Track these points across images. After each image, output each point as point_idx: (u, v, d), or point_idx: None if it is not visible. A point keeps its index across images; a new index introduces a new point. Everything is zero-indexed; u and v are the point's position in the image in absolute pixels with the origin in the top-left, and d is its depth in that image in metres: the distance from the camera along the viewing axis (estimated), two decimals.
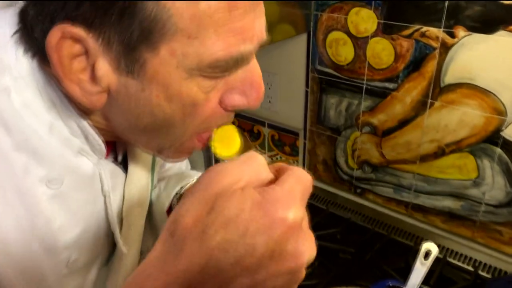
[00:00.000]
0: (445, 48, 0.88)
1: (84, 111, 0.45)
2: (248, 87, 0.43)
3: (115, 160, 0.55)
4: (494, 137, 0.89)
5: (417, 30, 0.90)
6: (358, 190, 1.15)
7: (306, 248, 0.32)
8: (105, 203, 0.53)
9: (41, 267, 0.48)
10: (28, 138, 0.42)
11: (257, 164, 0.34)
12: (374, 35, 0.97)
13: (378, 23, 0.95)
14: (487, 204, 0.95)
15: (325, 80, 1.09)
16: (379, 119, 1.04)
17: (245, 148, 0.47)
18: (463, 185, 0.97)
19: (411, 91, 0.96)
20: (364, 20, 0.97)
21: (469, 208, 0.98)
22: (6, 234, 0.43)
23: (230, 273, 0.31)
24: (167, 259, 0.32)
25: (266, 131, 1.29)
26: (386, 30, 0.94)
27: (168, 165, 0.75)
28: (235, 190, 0.32)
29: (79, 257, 0.52)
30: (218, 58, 0.38)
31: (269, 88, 1.23)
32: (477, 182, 0.95)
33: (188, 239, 0.31)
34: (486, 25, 0.82)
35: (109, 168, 0.52)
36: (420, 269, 0.68)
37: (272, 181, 0.34)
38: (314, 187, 1.24)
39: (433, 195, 1.02)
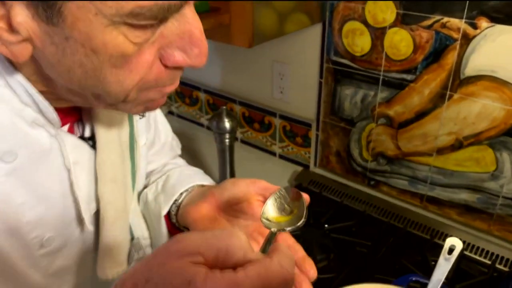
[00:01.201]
0: (467, 39, 0.86)
1: (29, 76, 0.43)
2: (187, 42, 0.40)
3: (82, 137, 0.54)
4: None
5: (437, 21, 0.89)
6: (372, 182, 1.15)
7: None
8: (68, 178, 0.52)
9: (8, 249, 0.47)
10: None
11: (231, 242, 0.32)
12: (393, 25, 0.95)
13: (397, 13, 0.93)
14: (504, 197, 0.94)
15: (340, 70, 1.07)
16: (396, 110, 1.02)
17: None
18: (481, 178, 0.96)
19: (429, 83, 0.95)
20: (383, 10, 0.95)
21: (485, 201, 0.97)
22: None
23: None
24: None
25: (277, 121, 1.28)
26: (405, 20, 0.93)
27: (156, 148, 0.73)
28: (180, 263, 0.30)
29: (54, 235, 0.52)
30: (139, 4, 0.34)
31: (281, 79, 1.22)
32: (495, 175, 0.94)
33: None
34: (510, 16, 0.80)
35: (70, 141, 0.51)
36: (444, 265, 0.68)
37: (250, 264, 0.31)
38: (327, 179, 1.22)
39: (449, 187, 1.02)
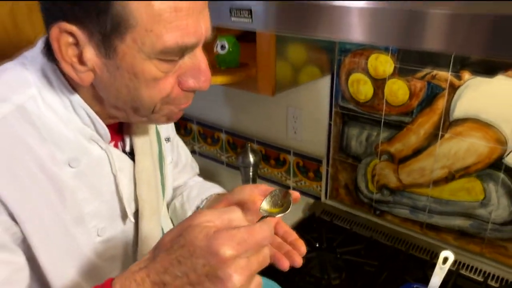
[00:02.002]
0: (453, 88, 1.04)
1: (87, 100, 0.61)
2: (197, 72, 0.58)
3: (123, 151, 0.72)
4: (497, 164, 1.03)
5: (428, 73, 1.06)
6: (378, 212, 1.29)
7: (236, 279, 0.43)
8: (115, 181, 0.68)
9: (75, 236, 0.64)
10: (52, 132, 0.60)
11: (232, 215, 0.48)
12: (391, 76, 1.13)
13: (395, 66, 1.11)
14: (493, 223, 1.09)
15: (347, 114, 1.25)
16: (396, 148, 1.19)
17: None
18: (472, 206, 1.11)
19: (424, 124, 1.11)
20: (382, 64, 1.13)
21: (477, 227, 1.11)
22: (42, 212, 0.59)
23: (180, 280, 0.46)
24: (148, 261, 0.49)
25: (291, 158, 1.44)
26: (402, 72, 1.11)
27: (179, 168, 0.94)
28: (201, 225, 0.46)
29: (106, 226, 0.68)
30: (166, 46, 0.53)
31: (295, 121, 1.39)
32: (484, 203, 1.08)
33: (161, 251, 0.48)
34: (487, 70, 0.98)
35: (116, 154, 0.68)
36: (439, 273, 0.82)
37: (243, 226, 0.47)
38: (337, 209, 1.38)
39: (445, 215, 1.16)
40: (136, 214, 0.73)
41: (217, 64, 1.03)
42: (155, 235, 0.76)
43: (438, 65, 1.04)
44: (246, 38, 1.10)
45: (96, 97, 0.61)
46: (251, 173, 1.13)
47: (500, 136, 1.01)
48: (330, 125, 1.30)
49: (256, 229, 0.46)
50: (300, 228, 1.26)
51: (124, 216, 0.71)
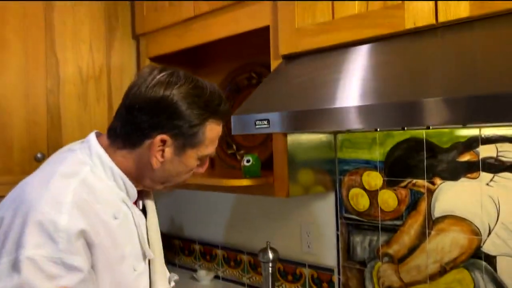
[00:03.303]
0: (430, 192, 1.31)
1: (129, 176, 0.93)
2: (204, 165, 0.98)
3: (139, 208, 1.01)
4: (478, 253, 1.22)
5: (410, 182, 1.35)
6: None
7: None
8: (137, 231, 0.94)
9: (121, 271, 0.89)
10: (103, 196, 0.88)
11: None
12: (382, 188, 1.41)
13: (383, 180, 1.41)
14: None
15: (351, 223, 1.49)
16: (394, 249, 1.39)
17: None
18: None
19: (413, 225, 1.35)
20: (373, 178, 1.43)
21: None
22: (108, 247, 0.86)
23: None
24: None
25: (306, 271, 1.61)
26: (389, 184, 1.39)
27: None
28: None
29: (137, 264, 0.93)
30: (206, 155, 0.95)
31: (308, 236, 1.62)
32: None
33: None
34: (452, 175, 1.27)
35: (136, 212, 0.96)
36: None
37: None
38: None
39: None
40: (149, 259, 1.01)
41: (243, 174, 1.35)
42: (163, 274, 1.03)
43: (415, 175, 1.34)
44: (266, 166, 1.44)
45: (139, 174, 0.93)
46: (270, 268, 1.33)
47: (474, 228, 1.23)
48: (337, 235, 1.53)
49: None
50: None
51: (144, 257, 0.97)
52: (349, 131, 1.46)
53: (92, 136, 0.94)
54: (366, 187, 1.45)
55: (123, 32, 1.77)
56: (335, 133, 1.51)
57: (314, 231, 1.60)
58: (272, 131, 1.06)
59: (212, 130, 0.91)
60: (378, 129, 1.03)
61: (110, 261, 0.86)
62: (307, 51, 1.22)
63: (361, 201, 1.46)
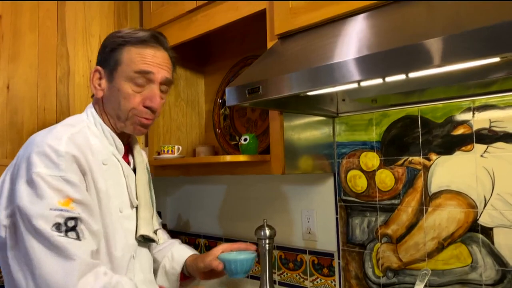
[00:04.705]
0: (426, 168, 1.31)
1: (106, 122, 1.07)
2: (152, 97, 1.04)
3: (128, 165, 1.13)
4: (474, 226, 1.22)
5: (406, 160, 1.36)
6: None
7: None
8: (126, 181, 1.07)
9: (110, 208, 0.99)
10: (95, 147, 1.01)
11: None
12: (379, 168, 1.42)
13: (380, 159, 1.42)
14: (486, 285, 1.19)
15: (349, 206, 1.49)
16: (392, 229, 1.38)
17: None
18: (464, 271, 1.23)
19: (410, 203, 1.34)
20: (371, 159, 1.44)
21: None
22: (96, 181, 0.97)
23: None
24: None
25: (307, 257, 1.61)
26: (386, 163, 1.40)
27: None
28: None
29: (123, 207, 1.04)
30: (132, 74, 1.03)
31: (308, 221, 1.62)
32: (473, 266, 1.22)
33: None
34: (447, 149, 1.27)
35: (125, 166, 1.08)
36: (419, 284, 0.96)
37: None
38: None
39: (443, 286, 1.27)
40: (136, 208, 1.09)
41: (240, 152, 1.38)
42: (147, 217, 1.10)
43: (411, 152, 1.35)
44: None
45: (104, 110, 1.07)
46: (267, 245, 1.33)
47: (470, 201, 1.23)
48: (337, 219, 1.53)
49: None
50: None
51: (131, 205, 1.07)
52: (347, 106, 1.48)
53: (90, 105, 1.11)
54: (364, 168, 1.46)
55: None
56: (333, 117, 1.54)
57: (314, 217, 1.61)
58: (264, 98, 1.09)
59: (130, 52, 1.03)
60: (384, 79, 1.00)
61: (98, 194, 0.97)
62: (302, 28, 1.26)
63: (359, 183, 1.47)
